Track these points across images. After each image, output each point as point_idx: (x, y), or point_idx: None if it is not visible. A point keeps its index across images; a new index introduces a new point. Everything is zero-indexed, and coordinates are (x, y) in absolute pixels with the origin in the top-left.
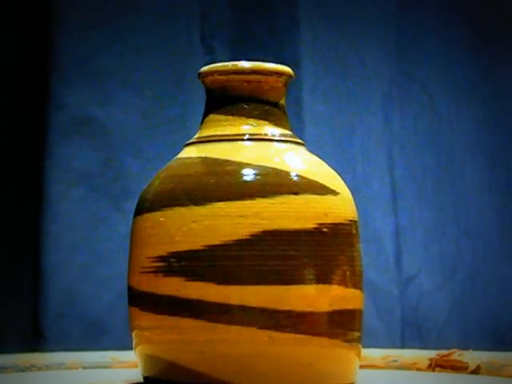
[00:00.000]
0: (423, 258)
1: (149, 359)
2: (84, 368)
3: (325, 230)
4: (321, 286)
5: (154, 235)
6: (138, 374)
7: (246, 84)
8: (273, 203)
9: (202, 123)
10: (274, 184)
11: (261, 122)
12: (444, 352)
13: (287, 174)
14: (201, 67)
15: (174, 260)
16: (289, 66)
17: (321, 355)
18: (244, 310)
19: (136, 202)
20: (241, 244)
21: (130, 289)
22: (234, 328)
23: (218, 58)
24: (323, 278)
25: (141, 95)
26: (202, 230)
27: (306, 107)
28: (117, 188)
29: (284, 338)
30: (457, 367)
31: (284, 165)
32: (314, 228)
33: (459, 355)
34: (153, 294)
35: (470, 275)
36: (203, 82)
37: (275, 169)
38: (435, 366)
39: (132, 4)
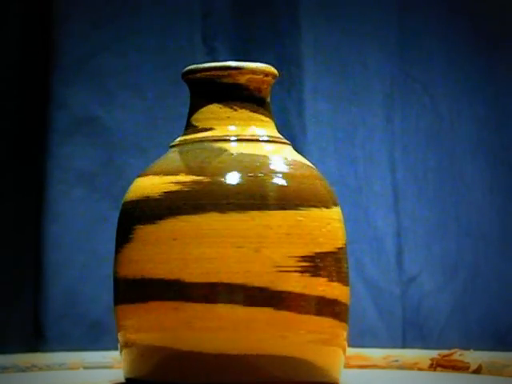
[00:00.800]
0: (425, 258)
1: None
2: (85, 368)
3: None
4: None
5: (294, 234)
6: None
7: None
8: None
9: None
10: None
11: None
12: (445, 352)
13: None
14: None
15: (319, 260)
16: (290, 67)
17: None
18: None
19: None
20: None
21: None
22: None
23: (219, 58)
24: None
25: (142, 95)
26: (337, 231)
27: (308, 107)
28: (118, 188)
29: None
30: (458, 367)
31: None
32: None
33: (460, 355)
34: (299, 294)
35: (472, 275)
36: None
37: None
38: (436, 365)
39: (133, 4)
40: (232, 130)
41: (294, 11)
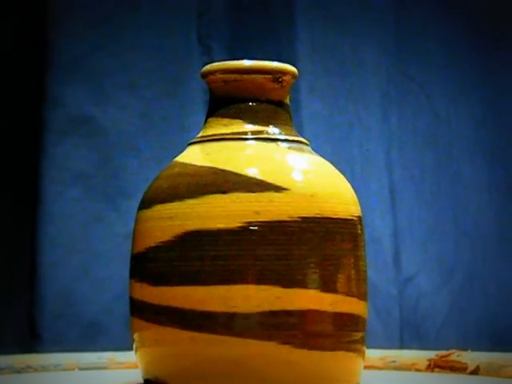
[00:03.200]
0: (422, 258)
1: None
2: (81, 369)
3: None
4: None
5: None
6: (135, 374)
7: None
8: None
9: (205, 122)
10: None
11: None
12: (443, 352)
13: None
14: (198, 67)
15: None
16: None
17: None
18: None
19: (133, 202)
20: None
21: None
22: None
23: (215, 58)
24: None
25: (138, 95)
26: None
27: (305, 106)
28: (114, 188)
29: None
30: (456, 368)
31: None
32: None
33: (458, 356)
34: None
35: (469, 275)
36: (206, 81)
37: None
38: (434, 366)
39: (129, 3)
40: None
41: (290, 10)
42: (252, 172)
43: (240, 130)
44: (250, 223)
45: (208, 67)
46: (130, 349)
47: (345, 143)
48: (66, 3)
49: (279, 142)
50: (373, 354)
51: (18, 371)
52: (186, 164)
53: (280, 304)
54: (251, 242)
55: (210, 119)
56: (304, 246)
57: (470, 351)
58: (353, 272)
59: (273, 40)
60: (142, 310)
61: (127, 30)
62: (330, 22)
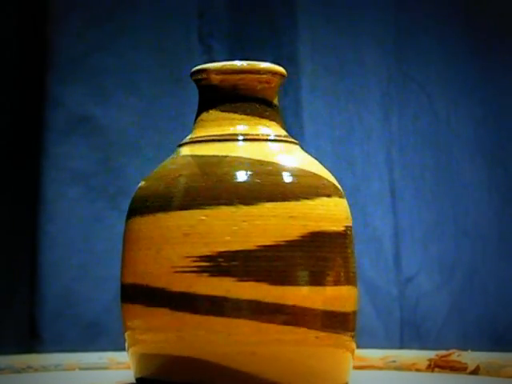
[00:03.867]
0: (422, 258)
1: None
2: (81, 369)
3: (349, 232)
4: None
5: (194, 234)
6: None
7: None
8: (315, 205)
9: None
10: (310, 186)
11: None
12: (443, 352)
13: (320, 176)
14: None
15: (222, 260)
16: (287, 66)
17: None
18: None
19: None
20: (291, 245)
21: (148, 288)
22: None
23: (216, 57)
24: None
25: (138, 94)
26: (253, 229)
27: (305, 106)
28: (114, 187)
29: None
30: (456, 368)
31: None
32: (343, 230)
33: (458, 356)
34: (192, 294)
35: (469, 275)
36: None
37: (309, 171)
38: (434, 366)
39: (130, 3)
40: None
41: (291, 10)
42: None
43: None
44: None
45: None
46: None
47: (345, 143)
48: (67, 3)
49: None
50: (373, 354)
51: (19, 371)
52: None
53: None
54: None
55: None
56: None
57: (470, 351)
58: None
59: (274, 40)
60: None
61: (128, 29)
62: (331, 22)
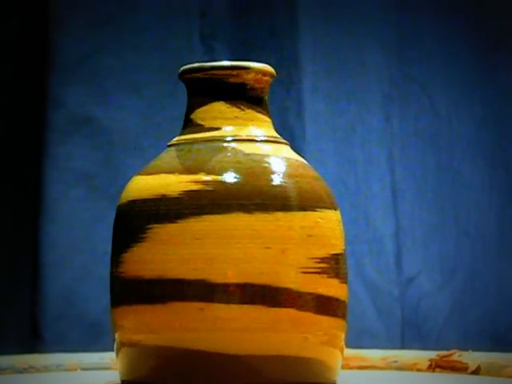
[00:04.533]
0: (423, 258)
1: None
2: (83, 369)
3: None
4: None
5: (315, 236)
6: None
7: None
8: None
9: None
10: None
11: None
12: (444, 353)
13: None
14: None
15: (333, 262)
16: (289, 67)
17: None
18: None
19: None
20: None
21: (265, 288)
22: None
23: (217, 58)
24: None
25: (140, 95)
26: (342, 234)
27: (307, 107)
28: (116, 188)
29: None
30: (457, 368)
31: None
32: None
33: (459, 356)
34: (317, 294)
35: (470, 276)
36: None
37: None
38: (435, 366)
39: (131, 3)
40: (231, 130)
41: (293, 11)
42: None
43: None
44: None
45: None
46: None
47: (347, 144)
48: (68, 4)
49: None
50: (374, 354)
51: (20, 371)
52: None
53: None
54: None
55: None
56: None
57: (471, 351)
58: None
59: (275, 41)
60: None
61: (129, 30)
62: (333, 23)
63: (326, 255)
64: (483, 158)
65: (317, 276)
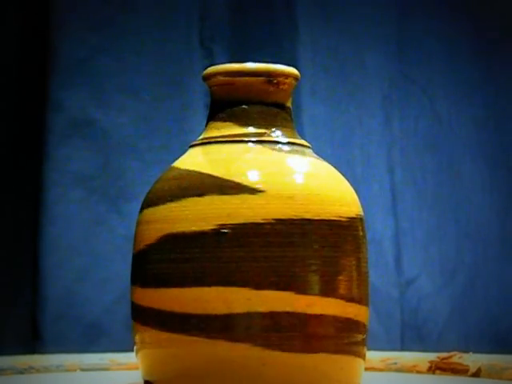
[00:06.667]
0: (423, 260)
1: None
2: (82, 370)
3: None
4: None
5: None
6: (136, 376)
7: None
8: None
9: (206, 125)
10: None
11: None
12: (444, 354)
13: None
14: (200, 70)
15: None
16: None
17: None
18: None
19: (135, 204)
20: None
21: None
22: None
23: (217, 61)
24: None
25: (139, 98)
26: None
27: (306, 109)
28: (115, 190)
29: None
30: (457, 370)
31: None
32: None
33: (460, 358)
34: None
35: (471, 277)
36: (208, 84)
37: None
38: (435, 368)
39: (131, 6)
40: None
41: (292, 13)
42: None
43: (241, 133)
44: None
45: (210, 70)
46: (132, 350)
47: (346, 146)
48: (68, 7)
49: (280, 145)
50: (374, 356)
51: (20, 372)
52: (177, 168)
53: (251, 305)
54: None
55: (211, 122)
56: (288, 247)
57: (471, 353)
58: (354, 275)
59: (274, 43)
60: (135, 311)
61: (129, 33)
62: (332, 24)
63: None
64: (483, 159)
65: None
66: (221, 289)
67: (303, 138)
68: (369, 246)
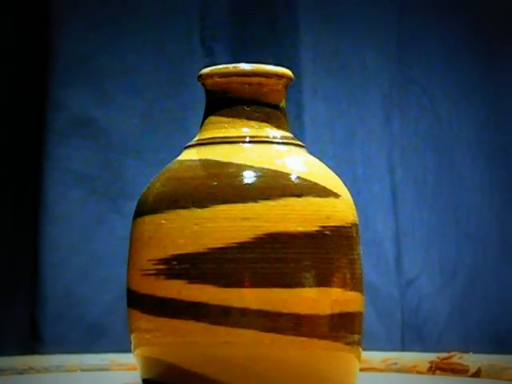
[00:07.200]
0: (423, 260)
1: (148, 361)
2: (82, 371)
3: (327, 232)
4: (322, 289)
5: (156, 238)
6: (136, 376)
7: (246, 86)
8: (275, 205)
9: (201, 125)
10: (276, 186)
11: (261, 124)
12: (444, 355)
13: (289, 176)
14: (200, 69)
15: (176, 263)
16: (289, 68)
17: (321, 358)
18: (245, 312)
19: (135, 204)
20: (243, 247)
21: (129, 291)
22: (234, 331)
23: (217, 60)
24: (324, 281)
25: (140, 97)
26: (204, 232)
27: (307, 109)
28: (115, 190)
29: (285, 341)
30: (457, 370)
31: (286, 167)
32: (316, 231)
33: (460, 358)
34: (154, 296)
35: (471, 278)
36: (203, 84)
37: (277, 171)
38: (435, 368)
39: (131, 6)
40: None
41: (293, 13)
42: (313, 177)
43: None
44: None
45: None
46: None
47: (347, 146)
48: (69, 6)
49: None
50: (374, 356)
51: (20, 373)
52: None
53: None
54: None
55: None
56: (354, 250)
57: (471, 353)
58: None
59: (275, 43)
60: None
61: (129, 32)
62: (333, 24)
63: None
64: (484, 160)
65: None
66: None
67: (304, 137)
68: (369, 246)
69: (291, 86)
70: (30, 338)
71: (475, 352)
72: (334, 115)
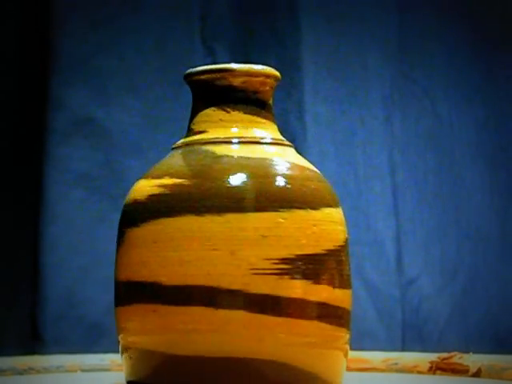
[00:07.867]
0: (424, 260)
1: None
2: (83, 371)
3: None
4: None
5: (272, 236)
6: None
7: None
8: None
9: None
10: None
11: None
12: (445, 355)
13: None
14: None
15: (300, 263)
16: (290, 69)
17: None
18: None
19: None
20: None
21: (215, 290)
22: None
23: (218, 60)
24: None
25: (141, 96)
26: (323, 234)
27: (308, 109)
28: (117, 189)
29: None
30: (457, 370)
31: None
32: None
33: (460, 358)
34: (274, 296)
35: (471, 278)
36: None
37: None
38: (436, 368)
39: (133, 5)
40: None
41: (294, 13)
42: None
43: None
44: None
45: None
46: None
47: (348, 146)
48: (69, 5)
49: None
50: (375, 356)
51: (20, 373)
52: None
53: None
54: None
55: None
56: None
57: (471, 353)
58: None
59: (277, 43)
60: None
61: (130, 31)
62: (334, 24)
63: (288, 256)
64: (484, 160)
65: (272, 277)
66: None
67: (305, 137)
68: (370, 246)
69: (293, 87)
70: (31, 338)
71: (475, 352)
72: (335, 115)
